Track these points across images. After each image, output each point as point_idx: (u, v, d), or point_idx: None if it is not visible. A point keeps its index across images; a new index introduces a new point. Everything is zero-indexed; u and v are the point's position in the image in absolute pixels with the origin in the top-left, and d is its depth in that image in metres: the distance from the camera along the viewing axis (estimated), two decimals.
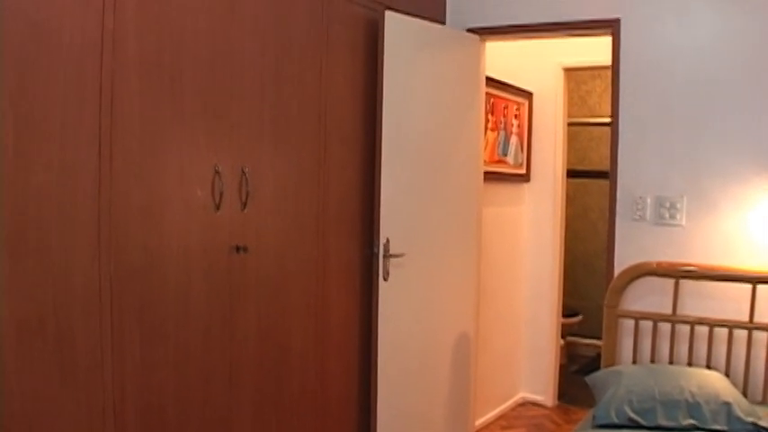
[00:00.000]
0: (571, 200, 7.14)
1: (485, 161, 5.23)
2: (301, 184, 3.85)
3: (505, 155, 5.76)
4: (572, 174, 7.01)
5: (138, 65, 2.98)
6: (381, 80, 4.15)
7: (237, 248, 3.44)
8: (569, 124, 6.46)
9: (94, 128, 2.82)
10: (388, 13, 4.16)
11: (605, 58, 4.60)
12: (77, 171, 2.76)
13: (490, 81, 5.27)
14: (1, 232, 2.53)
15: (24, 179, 2.59)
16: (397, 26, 4.22)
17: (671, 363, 4.14)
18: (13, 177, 2.55)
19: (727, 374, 3.96)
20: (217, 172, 3.33)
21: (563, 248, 6.19)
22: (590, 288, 7.68)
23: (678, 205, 4.24)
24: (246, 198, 3.48)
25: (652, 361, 4.19)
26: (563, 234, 6.18)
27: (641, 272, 4.18)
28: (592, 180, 7.85)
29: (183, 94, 3.18)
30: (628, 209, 4.41)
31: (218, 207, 3.34)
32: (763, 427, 3.46)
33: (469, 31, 4.90)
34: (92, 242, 2.83)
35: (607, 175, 4.60)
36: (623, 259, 4.35)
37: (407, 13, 4.36)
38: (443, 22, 4.96)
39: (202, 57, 3.26)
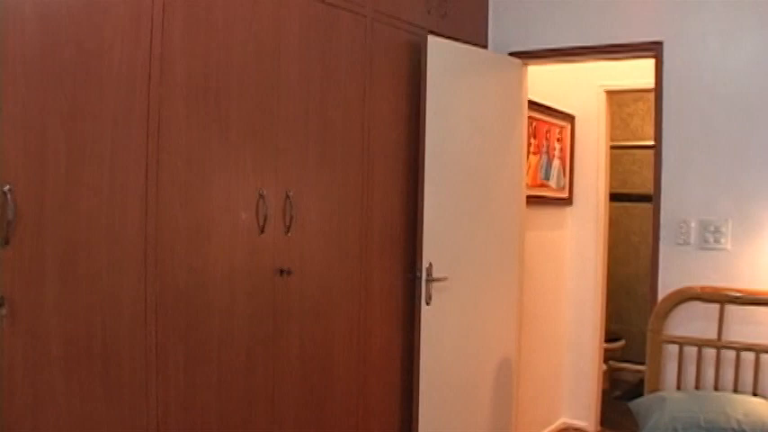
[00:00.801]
0: (613, 223, 7.09)
1: (527, 185, 5.22)
2: (345, 207, 3.87)
3: (548, 178, 5.74)
4: (614, 197, 6.97)
5: (185, 90, 3.03)
6: (424, 104, 4.17)
7: (281, 271, 3.47)
8: (612, 147, 6.43)
9: (142, 152, 2.86)
10: (430, 38, 4.19)
11: (648, 81, 4.59)
12: (125, 195, 2.81)
13: (532, 104, 5.27)
14: (52, 255, 2.58)
15: (75, 203, 2.64)
16: (439, 50, 4.24)
17: (716, 389, 4.08)
18: (64, 201, 2.60)
19: None
20: (261, 196, 3.37)
21: (606, 272, 6.15)
22: (632, 313, 7.61)
23: (723, 229, 4.20)
24: (290, 222, 3.51)
25: (697, 387, 4.13)
26: (606, 258, 6.14)
27: (685, 297, 4.14)
28: (634, 203, 7.80)
29: (228, 119, 3.22)
30: (671, 233, 4.37)
31: (262, 230, 3.37)
32: None
33: (512, 54, 4.91)
34: (138, 264, 2.87)
35: (649, 198, 4.57)
36: (667, 284, 4.31)
37: (450, 38, 4.38)
38: (486, 46, 4.98)
39: (248, 82, 3.31)
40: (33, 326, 2.54)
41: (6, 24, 2.43)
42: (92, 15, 2.69)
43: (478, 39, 4.91)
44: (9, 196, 2.44)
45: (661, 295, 4.29)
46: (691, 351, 4.16)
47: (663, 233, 4.40)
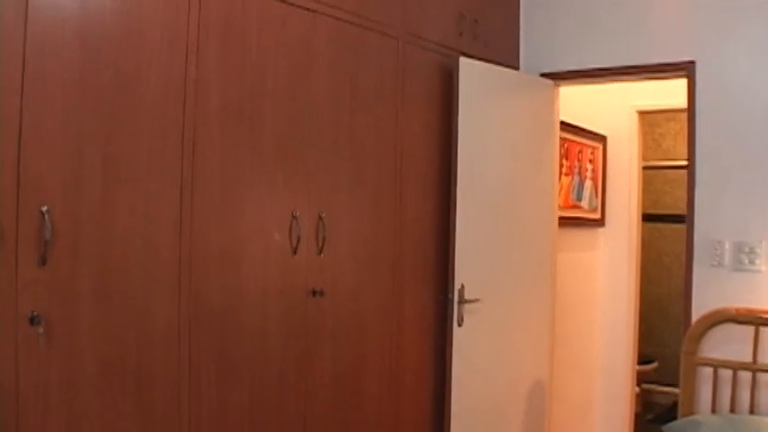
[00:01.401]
0: (645, 244, 7.05)
1: (559, 206, 5.21)
2: (377, 229, 3.88)
3: (580, 199, 5.72)
4: (646, 218, 6.93)
5: (219, 112, 3.07)
6: (456, 125, 4.18)
7: (314, 292, 3.48)
8: (644, 167, 6.40)
9: (176, 173, 2.90)
10: (462, 60, 4.20)
11: (680, 101, 4.57)
12: (160, 215, 2.84)
13: (564, 125, 5.27)
14: (88, 274, 2.61)
15: (111, 223, 2.67)
16: (471, 72, 4.25)
17: (752, 413, 4.03)
18: (100, 222, 2.64)
19: None
20: (294, 217, 3.39)
21: (638, 294, 6.10)
22: (665, 334, 7.55)
23: (758, 250, 4.16)
24: (323, 243, 3.53)
25: (732, 411, 4.08)
26: (638, 279, 6.09)
27: (720, 319, 4.09)
28: (666, 224, 7.75)
29: (262, 141, 3.25)
30: (705, 254, 4.33)
31: (295, 251, 3.39)
32: None
33: (543, 75, 4.91)
34: (172, 284, 2.90)
35: (682, 218, 4.54)
36: (701, 305, 4.26)
37: (481, 59, 4.39)
38: (517, 68, 4.98)
39: (281, 105, 3.34)
40: (69, 344, 2.57)
41: (46, 49, 2.48)
42: (129, 39, 2.73)
43: (510, 60, 4.92)
44: (47, 217, 2.47)
45: (695, 317, 4.25)
46: (725, 374, 4.11)
47: (696, 254, 4.36)
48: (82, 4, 2.59)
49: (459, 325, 4.21)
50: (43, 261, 2.48)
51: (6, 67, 2.39)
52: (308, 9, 3.46)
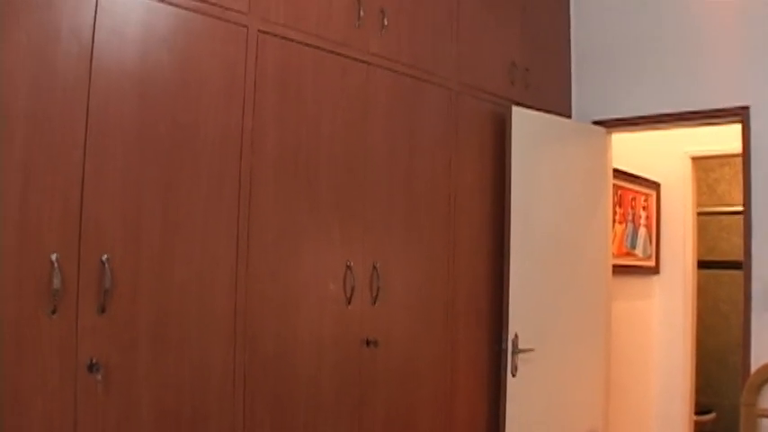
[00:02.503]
0: (701, 292, 6.93)
1: (613, 254, 5.16)
2: (431, 279, 3.88)
3: (634, 247, 5.67)
4: (702, 264, 6.83)
5: (276, 163, 3.11)
6: (509, 174, 4.19)
7: (368, 342, 3.48)
8: (698, 214, 6.33)
9: (233, 222, 2.94)
10: (515, 109, 4.22)
11: (734, 146, 4.52)
12: (216, 264, 2.88)
13: (617, 173, 5.24)
14: (145, 322, 2.65)
15: (169, 271, 2.72)
16: (523, 121, 4.26)
17: None
18: (158, 270, 2.69)
19: None
20: (348, 267, 3.40)
21: (695, 342, 6.00)
22: (723, 384, 7.38)
23: None
24: (377, 293, 3.54)
25: None
26: (694, 327, 5.99)
27: None
28: (722, 271, 7.61)
29: (317, 192, 3.28)
30: (764, 301, 4.25)
31: (349, 301, 3.40)
32: None
33: (595, 123, 4.90)
34: (228, 333, 2.92)
35: (738, 265, 4.46)
36: (760, 355, 4.17)
37: (533, 108, 4.40)
38: (569, 116, 4.98)
39: (337, 155, 3.38)
40: (126, 392, 2.60)
41: (107, 102, 2.55)
42: (187, 92, 2.80)
43: (562, 108, 4.91)
44: (107, 265, 2.52)
45: (754, 366, 4.16)
46: None
47: (754, 301, 4.28)
48: (142, 59, 2.66)
49: (513, 375, 4.17)
50: (102, 309, 2.52)
51: (70, 121, 2.46)
52: (364, 62, 3.51)
